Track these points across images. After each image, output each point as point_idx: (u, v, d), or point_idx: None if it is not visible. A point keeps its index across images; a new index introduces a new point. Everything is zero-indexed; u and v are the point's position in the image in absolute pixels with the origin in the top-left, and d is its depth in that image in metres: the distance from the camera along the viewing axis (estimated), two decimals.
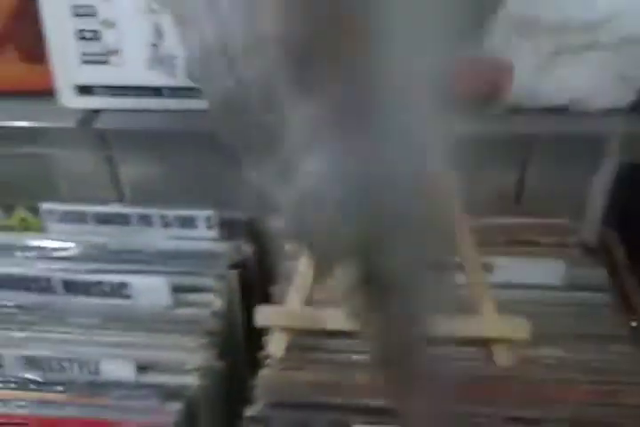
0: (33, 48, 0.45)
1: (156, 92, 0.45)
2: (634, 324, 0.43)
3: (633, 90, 0.43)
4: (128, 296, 0.41)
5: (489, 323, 0.37)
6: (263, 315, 0.37)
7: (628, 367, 0.39)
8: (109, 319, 0.41)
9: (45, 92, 0.45)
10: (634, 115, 0.43)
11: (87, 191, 0.54)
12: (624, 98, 0.43)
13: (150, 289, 0.41)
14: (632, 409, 0.36)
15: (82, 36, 0.43)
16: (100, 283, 0.41)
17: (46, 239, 0.47)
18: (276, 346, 0.37)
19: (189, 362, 0.37)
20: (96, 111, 0.46)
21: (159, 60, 0.44)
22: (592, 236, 0.49)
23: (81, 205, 0.48)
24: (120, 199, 0.54)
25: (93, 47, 0.44)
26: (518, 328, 0.37)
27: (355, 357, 0.38)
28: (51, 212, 0.48)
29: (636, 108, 0.44)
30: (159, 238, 0.47)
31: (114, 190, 0.55)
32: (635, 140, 0.44)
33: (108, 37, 0.44)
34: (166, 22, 0.43)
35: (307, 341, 0.38)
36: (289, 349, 0.38)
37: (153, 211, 0.48)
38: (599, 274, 0.46)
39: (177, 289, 0.42)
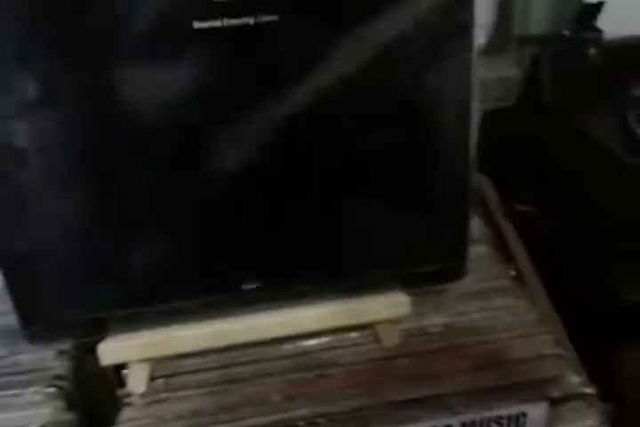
0: None
1: None
2: (513, 273, 0.42)
3: (482, 32, 0.41)
4: None
5: (370, 306, 0.34)
6: (109, 351, 0.31)
7: (513, 320, 0.38)
8: None
9: None
10: (485, 59, 0.41)
11: None
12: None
13: None
14: (522, 364, 0.35)
15: None
16: None
17: None
18: (135, 381, 0.32)
19: (34, 420, 0.31)
20: None
21: None
22: None
23: None
24: None
25: None
26: (397, 305, 0.34)
27: (229, 371, 0.34)
28: None
29: (487, 51, 0.41)
30: None
31: None
32: (490, 84, 0.42)
33: None
34: None
35: (172, 366, 0.33)
36: (153, 379, 0.32)
37: None
38: (474, 225, 0.44)
39: (9, 333, 0.35)
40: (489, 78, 0.42)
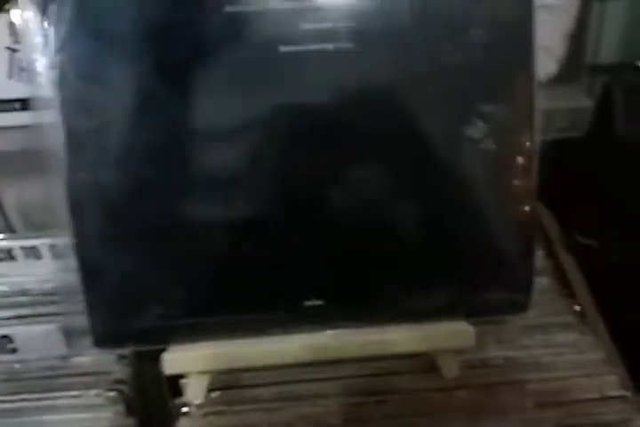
0: None
1: (22, 104, 0.38)
2: (577, 308, 0.41)
3: (554, 61, 0.40)
4: (14, 350, 0.35)
5: (434, 334, 0.33)
6: (173, 361, 0.32)
7: (577, 358, 0.37)
8: None
9: None
10: (553, 89, 0.40)
11: None
12: (545, 69, 0.40)
13: (39, 339, 0.35)
14: (586, 405, 0.34)
15: None
16: None
17: None
18: (194, 391, 0.32)
19: (94, 424, 0.32)
20: None
21: (20, 66, 0.37)
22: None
23: None
24: (10, 230, 0.47)
25: None
26: (462, 335, 0.34)
27: (285, 388, 0.34)
28: None
29: (557, 80, 0.41)
30: (51, 273, 0.41)
31: (1, 221, 0.48)
32: (556, 115, 0.41)
33: None
34: (22, 20, 0.36)
35: (229, 379, 0.34)
36: (210, 391, 0.33)
37: (40, 241, 0.41)
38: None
39: (74, 333, 0.36)
40: (558, 108, 0.41)
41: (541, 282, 0.42)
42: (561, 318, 0.40)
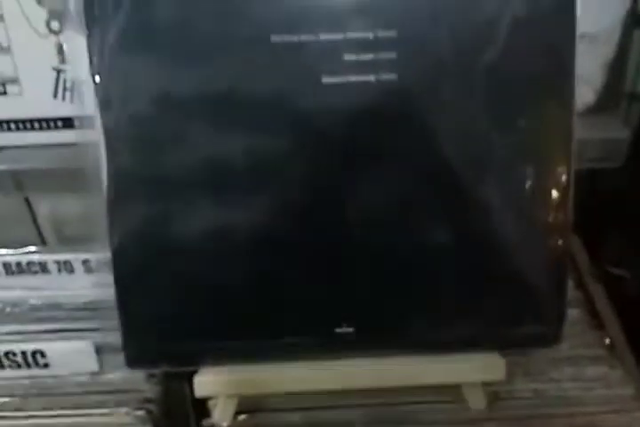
0: None
1: (66, 123, 0.39)
2: (607, 341, 0.40)
3: (592, 91, 0.40)
4: (46, 365, 0.36)
5: (464, 366, 0.33)
6: (204, 384, 0.32)
7: (607, 393, 0.36)
8: (27, 396, 0.35)
9: None
10: (590, 119, 0.40)
11: (2, 237, 0.48)
12: (582, 100, 0.40)
13: (72, 355, 0.36)
14: None
15: None
16: (11, 353, 0.35)
17: None
18: (222, 414, 0.33)
19: None
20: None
21: (65, 86, 0.38)
22: None
23: None
24: (42, 243, 0.49)
25: None
26: (493, 368, 0.34)
27: (312, 414, 0.34)
28: None
29: (595, 110, 0.41)
30: (83, 288, 0.41)
31: (34, 234, 0.49)
32: (591, 145, 0.41)
33: (3, 65, 0.38)
34: (70, 43, 0.37)
35: (257, 402, 0.34)
36: (238, 414, 0.33)
37: (73, 256, 0.42)
38: None
39: (105, 350, 0.37)
40: (595, 138, 0.41)
41: (571, 313, 0.41)
42: (591, 351, 0.39)
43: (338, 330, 0.33)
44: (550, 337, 0.34)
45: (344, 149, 0.31)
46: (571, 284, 0.44)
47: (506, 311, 0.34)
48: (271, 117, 0.30)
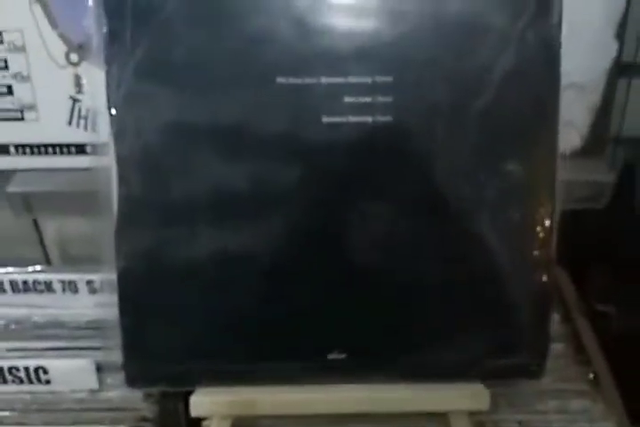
0: None
1: (78, 149, 0.41)
2: (591, 375, 0.41)
3: (578, 136, 0.43)
4: (48, 381, 0.37)
5: (448, 395, 0.34)
6: (200, 404, 0.33)
7: (590, 426, 0.37)
8: (27, 411, 0.36)
9: None
10: (576, 162, 0.42)
11: (10, 256, 0.49)
12: (569, 144, 0.42)
13: (73, 372, 0.37)
14: None
15: None
16: (14, 368, 0.36)
17: None
18: None
19: None
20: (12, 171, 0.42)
21: (80, 114, 0.40)
22: None
23: None
24: (47, 263, 0.50)
25: (5, 103, 0.40)
26: (477, 397, 0.35)
27: None
28: None
29: (581, 154, 0.43)
30: (86, 308, 0.43)
31: (40, 253, 0.50)
32: (581, 186, 0.43)
33: (22, 92, 0.40)
34: (87, 74, 0.39)
35: (250, 424, 0.35)
36: None
37: (78, 276, 0.44)
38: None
39: (105, 368, 0.38)
40: (581, 180, 0.43)
41: (557, 348, 0.42)
42: (574, 385, 0.40)
43: (330, 356, 0.34)
44: (534, 369, 0.36)
45: (340, 182, 0.33)
46: (557, 318, 0.46)
47: (491, 343, 0.35)
48: (274, 151, 0.32)
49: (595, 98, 0.41)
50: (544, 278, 0.34)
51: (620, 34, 0.39)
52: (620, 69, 0.41)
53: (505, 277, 0.34)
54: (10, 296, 0.44)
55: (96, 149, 0.35)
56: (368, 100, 0.31)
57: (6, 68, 0.39)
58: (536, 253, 0.34)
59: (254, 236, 0.33)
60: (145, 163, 0.32)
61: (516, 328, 0.35)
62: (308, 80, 0.31)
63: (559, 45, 0.32)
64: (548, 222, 0.34)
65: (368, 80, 0.31)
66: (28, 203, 0.45)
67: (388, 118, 0.32)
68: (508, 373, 0.36)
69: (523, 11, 0.31)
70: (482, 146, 0.33)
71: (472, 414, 0.36)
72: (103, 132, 0.33)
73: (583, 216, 0.48)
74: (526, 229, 0.34)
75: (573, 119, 0.41)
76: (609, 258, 0.49)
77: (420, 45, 0.31)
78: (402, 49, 0.31)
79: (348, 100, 0.31)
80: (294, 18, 0.31)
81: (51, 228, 0.51)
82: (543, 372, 0.36)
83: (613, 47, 0.39)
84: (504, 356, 0.35)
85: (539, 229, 0.34)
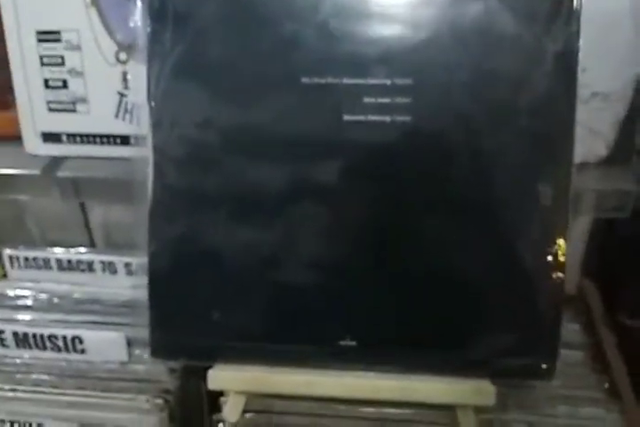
0: (1, 94, 0.45)
1: (123, 140, 0.44)
2: (607, 385, 0.41)
3: (604, 145, 0.43)
4: (83, 351, 0.40)
5: (453, 388, 0.36)
6: (217, 378, 0.36)
7: None
8: (63, 376, 0.39)
9: (14, 138, 0.45)
10: (605, 170, 0.43)
11: (59, 237, 0.53)
12: (595, 153, 0.43)
13: (106, 344, 0.40)
14: None
15: (49, 84, 0.43)
16: (53, 336, 0.40)
17: (7, 287, 0.46)
18: (231, 410, 0.36)
19: (139, 424, 0.36)
20: (63, 158, 0.45)
21: (126, 108, 0.44)
22: (571, 286, 0.49)
23: (43, 252, 0.47)
24: (92, 245, 0.54)
25: (60, 95, 0.44)
26: (483, 393, 0.36)
27: (312, 420, 0.37)
28: (13, 258, 0.47)
29: (607, 163, 0.43)
30: (123, 288, 0.46)
31: (85, 236, 0.54)
32: (606, 195, 0.43)
33: (75, 86, 0.43)
34: (133, 72, 0.42)
35: (264, 403, 0.37)
36: (245, 412, 0.36)
37: (117, 258, 0.47)
38: (572, 329, 0.44)
39: (135, 343, 0.41)
40: (606, 189, 0.43)
41: (574, 355, 0.43)
42: (588, 393, 0.40)
43: (342, 342, 0.36)
44: (542, 372, 0.36)
45: (360, 177, 0.34)
46: (579, 328, 0.46)
47: (501, 342, 0.36)
48: (297, 147, 0.34)
49: (620, 107, 0.41)
50: (555, 280, 0.35)
51: None
52: None
53: (517, 279, 0.35)
54: (55, 273, 0.48)
55: (137, 141, 0.38)
56: (387, 100, 0.33)
57: (63, 64, 0.43)
58: (549, 256, 0.35)
59: (274, 226, 0.35)
60: (178, 154, 0.35)
61: (525, 328, 0.36)
62: (330, 80, 0.33)
63: (577, 52, 0.33)
64: (562, 227, 0.34)
65: (387, 82, 0.33)
66: (76, 188, 0.49)
67: (406, 118, 0.33)
68: (516, 372, 0.36)
69: (541, 17, 0.32)
70: (496, 148, 0.34)
71: (480, 411, 0.36)
72: (143, 125, 0.36)
73: (613, 227, 0.48)
74: (539, 233, 0.34)
75: (598, 128, 0.42)
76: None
77: (439, 50, 0.33)
78: (421, 53, 0.33)
79: (367, 100, 0.33)
80: (319, 23, 0.33)
81: (96, 212, 0.54)
82: (552, 374, 0.36)
83: (638, 56, 0.39)
84: (513, 355, 0.36)
85: (553, 233, 0.34)
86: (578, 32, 0.32)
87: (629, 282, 0.49)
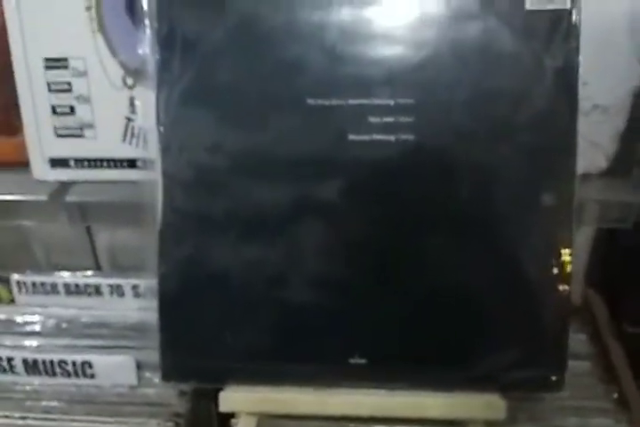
0: (8, 121, 0.45)
1: (130, 163, 0.45)
2: (616, 395, 0.41)
3: (604, 157, 0.43)
4: (92, 376, 0.40)
5: (465, 404, 0.36)
6: (228, 400, 0.36)
7: None
8: (72, 402, 0.39)
9: (21, 164, 0.45)
10: (606, 181, 0.43)
11: (65, 261, 0.53)
12: (596, 165, 0.43)
13: (115, 368, 0.40)
14: None
15: (56, 110, 0.44)
16: (63, 362, 0.40)
17: (15, 313, 0.46)
18: None
19: None
20: (70, 183, 0.46)
21: (132, 132, 0.44)
22: (576, 297, 0.49)
23: (51, 276, 0.48)
24: (98, 269, 0.54)
25: (67, 121, 0.44)
26: (493, 407, 0.36)
27: None
28: (20, 283, 0.48)
29: (608, 174, 0.44)
30: (131, 310, 0.46)
31: (91, 260, 0.54)
32: (609, 206, 0.44)
33: (82, 112, 0.44)
34: (141, 97, 0.43)
35: (275, 424, 0.37)
36: None
37: (125, 281, 0.47)
38: (578, 340, 0.44)
39: (144, 366, 0.41)
40: (607, 200, 0.44)
41: (582, 366, 0.43)
42: (598, 403, 0.40)
43: (351, 360, 0.36)
44: (552, 384, 0.36)
45: (367, 196, 0.35)
46: (586, 338, 0.46)
47: (509, 355, 0.36)
48: (304, 167, 0.35)
49: (619, 120, 0.42)
50: (562, 292, 0.35)
51: None
52: None
53: (524, 292, 0.35)
54: (63, 298, 0.48)
55: (145, 165, 0.38)
56: (391, 120, 0.34)
57: (70, 90, 0.44)
58: (554, 268, 0.35)
59: (281, 246, 0.35)
60: (187, 177, 0.36)
61: (533, 341, 0.36)
62: (335, 102, 0.34)
63: (577, 70, 0.33)
64: (566, 239, 0.35)
65: (391, 102, 0.34)
66: (83, 212, 0.49)
67: (410, 137, 0.34)
68: (526, 385, 0.36)
69: (540, 34, 0.33)
70: (500, 163, 0.34)
71: (491, 425, 0.36)
72: (152, 149, 0.37)
73: (615, 238, 0.49)
74: (545, 246, 0.35)
75: (599, 141, 0.42)
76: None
77: (441, 69, 0.33)
78: (423, 73, 0.34)
79: (372, 120, 0.34)
80: (323, 46, 0.33)
81: (103, 236, 0.54)
82: (562, 385, 0.36)
83: (637, 70, 0.40)
84: (522, 368, 0.36)
85: (557, 245, 0.35)
86: (577, 48, 0.33)
87: (632, 291, 0.50)
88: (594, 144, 0.43)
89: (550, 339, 0.36)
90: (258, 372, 0.36)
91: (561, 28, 0.33)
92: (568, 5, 0.33)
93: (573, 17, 0.33)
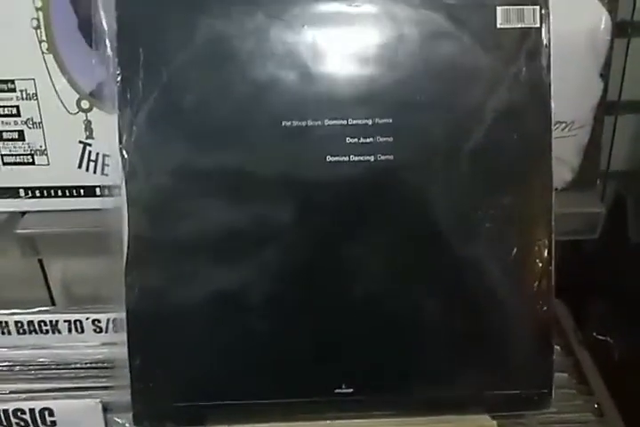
0: None
1: (88, 191, 0.42)
2: (595, 405, 0.42)
3: (570, 170, 0.44)
4: (54, 424, 0.37)
5: (454, 426, 0.35)
6: None
7: None
8: None
9: None
10: (570, 194, 0.44)
11: (15, 296, 0.50)
12: (561, 178, 0.44)
13: (79, 414, 0.37)
14: None
15: (3, 136, 0.41)
16: (19, 411, 0.37)
17: None
18: None
19: None
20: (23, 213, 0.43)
21: (89, 158, 0.42)
22: None
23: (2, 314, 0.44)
24: (51, 302, 0.51)
25: (16, 148, 0.41)
26: None
27: None
28: None
29: (573, 187, 0.44)
30: (93, 347, 0.43)
31: (43, 292, 0.51)
32: (575, 218, 0.45)
33: (33, 137, 0.41)
34: (99, 120, 0.41)
35: None
36: None
37: (83, 316, 0.44)
38: None
39: (112, 409, 0.38)
40: (573, 212, 0.44)
41: (559, 378, 0.43)
42: (578, 415, 0.40)
43: (337, 390, 0.34)
44: (538, 402, 0.36)
45: (344, 218, 0.34)
46: (558, 349, 0.46)
47: (495, 376, 0.36)
48: (281, 191, 0.33)
49: (582, 135, 0.43)
50: (544, 309, 0.35)
51: (605, 73, 0.41)
52: (606, 108, 0.43)
53: (507, 311, 0.35)
54: (14, 338, 0.44)
55: (106, 191, 0.36)
56: (369, 140, 0.33)
57: (18, 114, 0.41)
58: (535, 284, 0.35)
59: (261, 275, 0.34)
60: (155, 204, 0.34)
61: (518, 360, 0.36)
62: (311, 123, 0.33)
63: (549, 87, 0.34)
64: (546, 255, 0.35)
65: (368, 122, 0.33)
66: (34, 244, 0.46)
67: (388, 157, 0.33)
68: (513, 404, 0.36)
69: (514, 55, 0.33)
70: (479, 182, 0.34)
71: None
72: (113, 175, 0.34)
73: (580, 248, 0.50)
74: (525, 263, 0.35)
75: (563, 156, 0.43)
76: (606, 288, 0.50)
77: (416, 89, 0.33)
78: (399, 92, 0.33)
79: (350, 140, 0.33)
80: (297, 66, 0.32)
81: (55, 268, 0.51)
82: (549, 402, 0.36)
83: (599, 86, 0.41)
84: (509, 388, 0.36)
85: (537, 261, 0.35)
86: (549, 65, 0.33)
87: (597, 300, 0.51)
88: (559, 159, 0.43)
89: (534, 357, 0.36)
90: (238, 411, 0.34)
91: (532, 45, 0.33)
92: (538, 24, 0.33)
93: (543, 35, 0.33)
